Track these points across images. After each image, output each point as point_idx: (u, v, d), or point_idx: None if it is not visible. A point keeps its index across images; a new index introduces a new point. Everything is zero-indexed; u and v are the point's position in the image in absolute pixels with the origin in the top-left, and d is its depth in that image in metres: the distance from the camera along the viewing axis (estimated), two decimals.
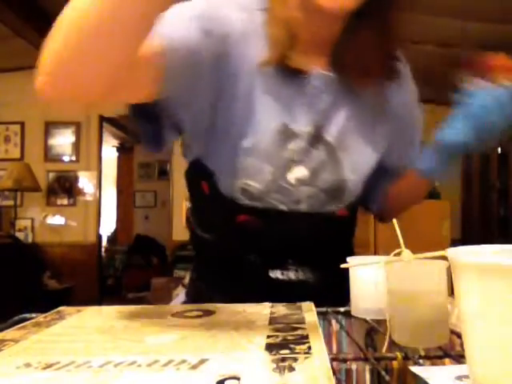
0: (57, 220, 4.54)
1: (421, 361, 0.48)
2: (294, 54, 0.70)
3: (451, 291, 0.43)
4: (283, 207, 0.75)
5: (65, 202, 4.57)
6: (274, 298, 0.64)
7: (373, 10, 0.69)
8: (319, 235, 0.80)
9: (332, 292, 0.72)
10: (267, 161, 0.72)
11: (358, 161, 0.78)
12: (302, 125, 0.73)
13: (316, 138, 0.74)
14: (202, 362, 0.41)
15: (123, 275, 6.20)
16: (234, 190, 0.73)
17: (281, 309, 0.63)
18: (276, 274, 0.77)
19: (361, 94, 0.76)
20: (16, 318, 0.65)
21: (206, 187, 0.77)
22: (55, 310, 0.67)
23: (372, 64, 0.73)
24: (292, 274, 0.78)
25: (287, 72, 0.71)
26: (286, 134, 0.72)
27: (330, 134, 0.75)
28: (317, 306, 0.63)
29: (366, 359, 0.49)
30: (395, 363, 0.49)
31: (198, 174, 0.78)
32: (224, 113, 0.70)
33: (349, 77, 0.74)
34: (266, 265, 0.78)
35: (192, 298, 0.87)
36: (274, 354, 0.43)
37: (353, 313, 0.69)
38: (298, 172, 0.74)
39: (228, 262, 0.81)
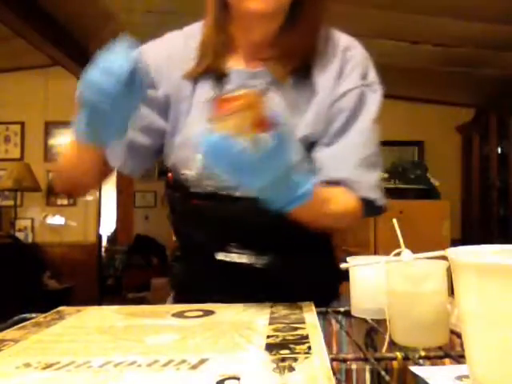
0: (57, 220, 4.54)
1: (421, 361, 0.48)
2: (230, 59, 0.82)
3: (451, 291, 0.43)
4: (223, 192, 0.80)
5: (65, 201, 4.56)
6: (229, 281, 0.80)
7: (303, 7, 0.77)
8: (260, 220, 0.79)
9: (295, 280, 0.72)
10: (198, 150, 0.78)
11: None
12: None
13: None
14: (202, 361, 0.41)
15: (123, 275, 6.19)
16: (181, 179, 0.84)
17: (281, 309, 0.63)
18: (221, 256, 0.82)
19: (286, 84, 0.81)
20: (16, 317, 0.65)
21: (170, 177, 0.88)
22: (55, 310, 0.67)
23: (297, 57, 0.80)
24: (236, 257, 0.82)
25: (213, 77, 0.82)
26: None
27: None
28: (275, 294, 0.65)
29: (365, 359, 0.49)
30: (395, 363, 0.49)
31: (166, 167, 0.91)
32: (172, 119, 0.85)
33: (276, 70, 0.80)
34: (212, 247, 0.84)
35: (171, 282, 0.96)
36: (274, 354, 0.43)
37: (353, 313, 0.69)
38: None
39: (185, 244, 0.92)
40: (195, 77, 0.83)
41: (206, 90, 0.83)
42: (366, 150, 0.82)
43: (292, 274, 0.81)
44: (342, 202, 0.79)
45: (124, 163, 0.84)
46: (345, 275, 0.74)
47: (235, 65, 0.84)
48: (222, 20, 0.80)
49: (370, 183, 0.80)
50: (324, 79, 0.83)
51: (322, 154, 0.81)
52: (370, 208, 0.80)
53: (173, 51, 0.85)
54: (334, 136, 0.81)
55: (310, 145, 0.81)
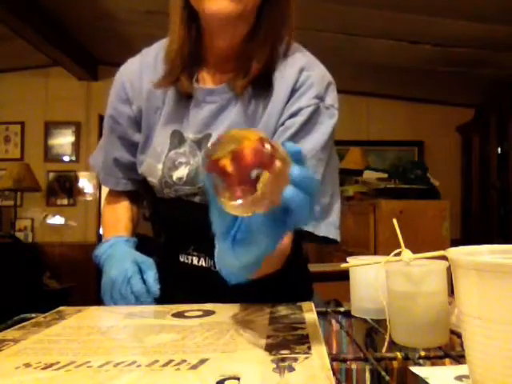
0: (57, 220, 4.53)
1: (421, 361, 0.48)
2: (195, 73, 0.83)
3: (451, 291, 0.43)
4: (184, 198, 0.85)
5: (65, 202, 4.56)
6: (188, 282, 0.86)
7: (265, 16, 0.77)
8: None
9: (254, 284, 0.69)
10: (160, 160, 0.85)
11: None
12: (189, 132, 0.84)
13: (200, 143, 0.84)
14: (202, 361, 0.41)
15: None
16: (149, 185, 0.89)
17: (281, 309, 0.63)
18: (183, 257, 0.88)
19: (245, 99, 0.82)
20: (16, 317, 0.65)
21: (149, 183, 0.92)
22: (55, 310, 0.67)
23: (255, 68, 0.79)
24: (195, 260, 0.86)
25: (180, 89, 0.84)
26: (178, 139, 0.85)
27: (213, 138, 0.83)
28: (236, 297, 0.64)
29: (365, 359, 0.49)
30: (395, 363, 0.49)
31: None
32: (144, 130, 0.89)
33: (235, 81, 0.81)
34: (174, 249, 0.89)
35: None
36: (274, 354, 0.43)
37: (353, 313, 0.69)
38: (180, 172, 0.84)
39: (156, 244, 0.97)
40: (165, 87, 0.84)
41: (174, 101, 0.85)
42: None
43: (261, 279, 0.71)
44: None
45: (116, 182, 0.95)
46: (343, 275, 0.74)
47: (202, 78, 0.85)
48: (190, 30, 0.79)
49: (328, 224, 0.77)
50: (275, 96, 0.81)
51: None
52: (326, 241, 0.78)
53: (144, 65, 0.88)
54: None
55: None
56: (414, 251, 0.57)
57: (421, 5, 2.69)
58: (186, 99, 0.85)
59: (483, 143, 4.04)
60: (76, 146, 4.60)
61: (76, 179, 4.59)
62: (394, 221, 0.62)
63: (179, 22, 0.79)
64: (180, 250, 0.89)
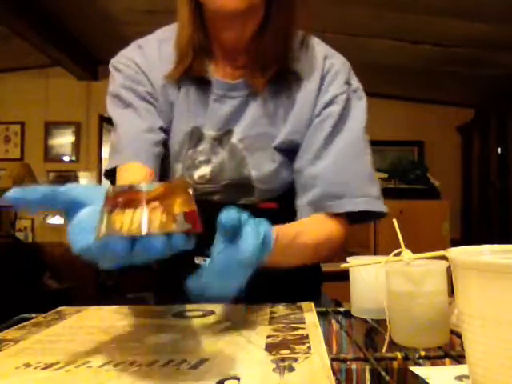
0: (57, 220, 4.53)
1: (421, 361, 0.48)
2: (204, 65, 0.81)
3: (451, 291, 0.43)
4: (202, 198, 0.82)
5: None
6: None
7: (274, 12, 0.76)
8: None
9: (271, 283, 0.70)
10: (179, 160, 0.83)
11: (262, 158, 0.83)
12: (208, 129, 0.82)
13: (220, 140, 0.82)
14: (202, 362, 0.41)
15: (123, 275, 6.19)
16: None
17: (281, 309, 0.63)
18: (199, 260, 0.84)
19: (265, 95, 0.82)
20: (16, 317, 0.65)
21: None
22: (55, 310, 0.67)
23: (272, 63, 0.79)
24: None
25: (196, 81, 0.81)
26: (196, 137, 0.82)
27: (236, 135, 0.82)
28: (248, 297, 0.63)
29: (365, 359, 0.49)
30: (395, 363, 0.49)
31: None
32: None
33: (254, 78, 0.80)
34: (191, 250, 0.86)
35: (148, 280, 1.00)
36: (274, 354, 0.43)
37: (353, 313, 0.69)
38: (202, 171, 0.83)
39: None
40: (178, 79, 0.81)
41: (189, 95, 0.82)
42: (362, 162, 0.81)
43: (267, 277, 0.73)
44: (314, 230, 0.78)
45: (146, 156, 0.80)
46: (342, 275, 0.74)
47: (214, 72, 0.82)
48: (198, 21, 0.78)
49: (373, 196, 0.80)
50: (304, 88, 0.82)
51: (315, 168, 0.79)
52: (372, 216, 0.81)
53: (149, 59, 0.83)
54: (323, 146, 0.80)
55: (287, 152, 0.82)
56: (414, 251, 0.57)
57: (421, 5, 2.69)
58: (203, 94, 0.82)
59: (483, 143, 4.03)
60: (76, 145, 4.60)
61: (76, 179, 4.59)
62: (394, 221, 0.62)
63: (187, 12, 0.77)
64: (196, 251, 0.85)
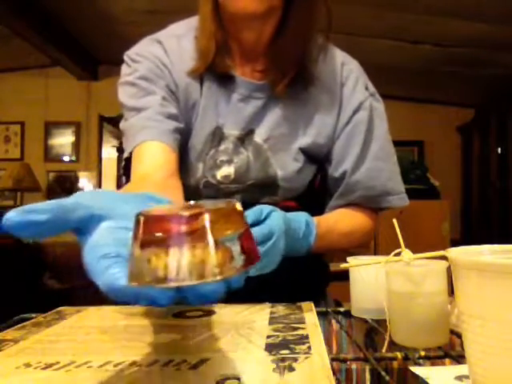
0: None
1: (421, 361, 0.48)
2: (227, 61, 0.80)
3: (451, 291, 0.43)
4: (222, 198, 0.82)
5: None
6: None
7: (294, 12, 0.76)
8: None
9: (277, 281, 0.71)
10: (200, 159, 0.82)
11: (285, 158, 0.84)
12: (231, 128, 0.82)
13: (243, 140, 0.82)
14: (202, 361, 0.41)
15: None
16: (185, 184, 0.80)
17: (281, 309, 0.63)
18: None
19: (285, 97, 0.82)
20: (16, 317, 0.65)
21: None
22: (55, 310, 0.67)
23: (291, 66, 0.80)
24: None
25: (219, 79, 0.81)
26: (219, 136, 0.82)
27: (260, 135, 0.83)
28: (255, 295, 0.65)
29: (365, 359, 0.49)
30: (395, 363, 0.49)
31: None
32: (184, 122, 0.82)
33: (275, 81, 0.80)
34: None
35: None
36: (274, 354, 0.42)
37: (353, 313, 0.69)
38: (225, 171, 0.82)
39: None
40: (201, 75, 0.81)
41: (214, 93, 0.82)
42: (393, 162, 0.88)
43: (274, 275, 0.74)
44: (348, 220, 0.84)
45: (172, 135, 0.77)
46: (342, 275, 0.74)
47: (236, 71, 0.83)
48: (218, 20, 0.78)
49: (403, 192, 0.87)
50: (325, 92, 0.84)
51: (355, 176, 0.84)
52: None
53: (170, 53, 0.82)
54: (360, 154, 0.84)
55: (310, 153, 0.85)
56: (414, 251, 0.57)
57: (421, 5, 2.69)
58: (226, 92, 0.82)
59: (483, 143, 4.04)
60: (76, 145, 4.60)
61: (76, 179, 4.59)
62: (394, 221, 0.62)
63: (210, 9, 0.77)
64: None
